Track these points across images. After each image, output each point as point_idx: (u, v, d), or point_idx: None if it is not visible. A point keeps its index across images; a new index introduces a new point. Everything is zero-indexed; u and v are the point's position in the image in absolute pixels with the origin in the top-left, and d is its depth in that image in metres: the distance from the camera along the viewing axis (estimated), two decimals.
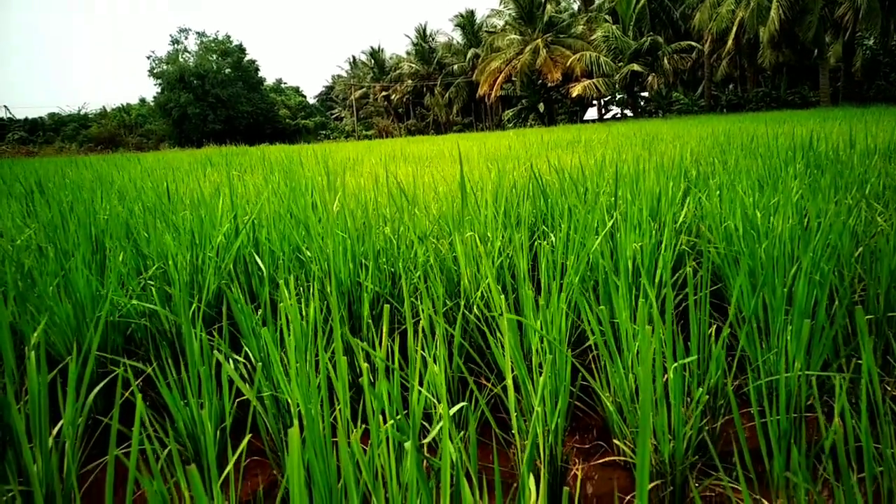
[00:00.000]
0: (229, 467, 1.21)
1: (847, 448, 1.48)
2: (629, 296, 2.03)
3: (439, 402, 1.52)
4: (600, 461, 1.85)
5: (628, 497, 1.60)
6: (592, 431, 2.10)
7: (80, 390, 1.50)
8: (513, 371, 1.84)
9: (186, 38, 50.73)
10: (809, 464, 1.43)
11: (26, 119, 53.98)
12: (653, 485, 1.56)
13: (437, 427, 1.24)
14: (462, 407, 1.89)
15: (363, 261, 2.33)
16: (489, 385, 2.08)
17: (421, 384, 1.63)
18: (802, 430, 1.48)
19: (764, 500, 1.49)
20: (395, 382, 1.28)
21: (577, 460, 1.92)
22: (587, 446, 2.00)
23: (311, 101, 72.71)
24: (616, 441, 1.70)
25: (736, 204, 2.58)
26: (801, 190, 2.77)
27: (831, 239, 2.15)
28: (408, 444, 1.06)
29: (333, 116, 68.65)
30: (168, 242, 2.46)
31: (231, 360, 1.77)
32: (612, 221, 2.30)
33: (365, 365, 1.13)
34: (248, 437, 1.29)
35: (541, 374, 1.70)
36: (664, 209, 2.71)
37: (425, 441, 1.17)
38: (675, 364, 1.57)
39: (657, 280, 2.15)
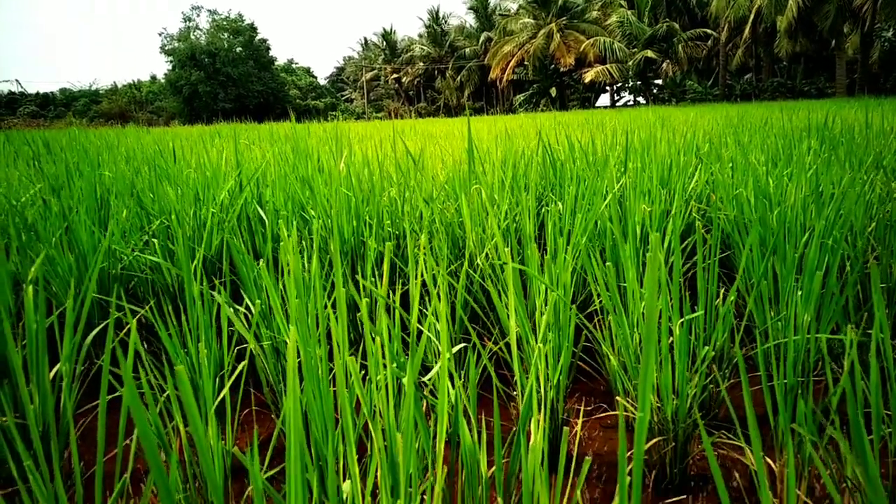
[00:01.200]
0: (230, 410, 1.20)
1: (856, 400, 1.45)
2: (636, 259, 2.00)
3: (441, 346, 1.50)
4: (602, 415, 1.83)
5: (629, 453, 1.58)
6: (596, 394, 2.08)
7: (78, 326, 1.49)
8: (516, 329, 1.82)
9: (198, 15, 50.59)
10: (816, 419, 1.40)
11: (37, 94, 54.02)
12: (655, 441, 1.54)
13: (436, 369, 1.22)
14: (464, 353, 1.87)
15: (367, 220, 2.31)
16: (491, 343, 2.06)
17: (421, 335, 1.61)
18: (810, 389, 1.46)
19: (767, 458, 1.46)
20: (396, 322, 1.25)
21: (578, 419, 1.90)
22: (590, 408, 1.98)
23: (322, 82, 72.42)
24: (618, 398, 1.68)
25: (748, 174, 2.53)
26: (815, 163, 2.72)
27: (844, 207, 2.11)
28: (405, 379, 1.03)
29: (344, 98, 68.40)
30: (171, 199, 2.44)
31: (231, 310, 1.75)
32: (619, 184, 2.26)
33: (365, 300, 1.11)
34: (243, 371, 1.27)
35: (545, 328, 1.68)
36: (675, 178, 2.67)
37: (426, 378, 1.15)
38: (682, 320, 1.54)
39: (666, 245, 2.12)
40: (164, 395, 1.59)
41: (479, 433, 1.22)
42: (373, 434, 0.99)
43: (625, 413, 1.72)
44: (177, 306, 2.25)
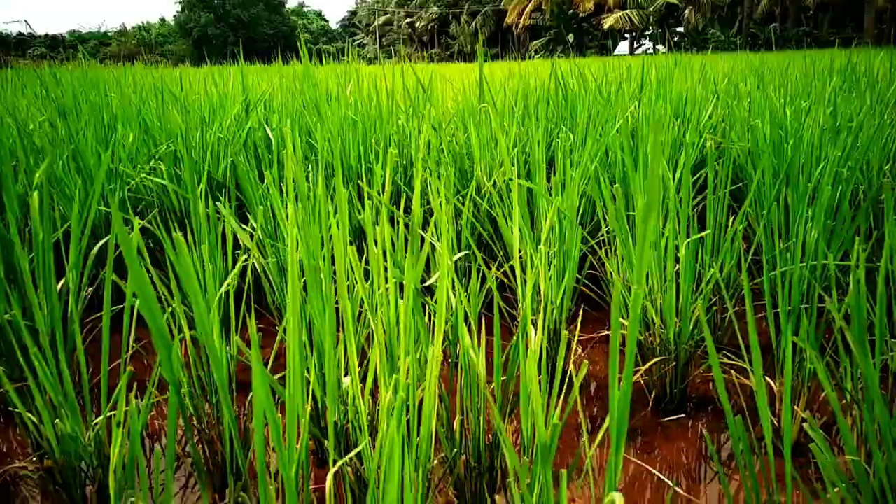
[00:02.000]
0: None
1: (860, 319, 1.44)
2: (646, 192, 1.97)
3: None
4: (602, 334, 1.84)
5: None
6: (600, 322, 2.08)
7: (84, 234, 1.49)
8: (520, 254, 1.81)
9: None
10: (818, 337, 1.39)
11: (46, 35, 53.42)
12: (656, 360, 1.55)
13: (436, 277, 1.22)
14: (468, 277, 1.87)
15: (374, 146, 2.28)
16: (495, 268, 2.06)
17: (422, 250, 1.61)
18: (813, 313, 1.45)
19: (768, 378, 1.47)
20: (400, 232, 1.25)
21: (580, 345, 1.91)
22: (593, 334, 1.99)
23: (334, 26, 70.93)
24: (623, 321, 1.68)
25: (765, 107, 2.46)
26: (836, 98, 2.64)
27: (862, 138, 2.06)
28: (405, 279, 1.03)
29: (356, 43, 67.06)
30: (178, 122, 2.42)
31: (237, 229, 1.76)
32: (630, 112, 2.21)
33: (368, 202, 1.10)
34: (248, 285, 1.28)
35: (550, 246, 1.67)
36: (689, 111, 2.61)
37: (429, 283, 1.15)
38: (688, 240, 1.52)
39: (677, 177, 2.09)
40: (169, 308, 1.61)
41: (479, 343, 1.22)
42: (373, 328, 0.99)
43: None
44: (183, 228, 2.25)
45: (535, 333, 1.06)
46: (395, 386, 0.84)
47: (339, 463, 0.81)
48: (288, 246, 0.77)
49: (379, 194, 2.11)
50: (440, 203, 1.14)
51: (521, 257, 1.75)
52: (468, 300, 1.21)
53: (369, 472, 0.77)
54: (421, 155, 1.27)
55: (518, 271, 1.53)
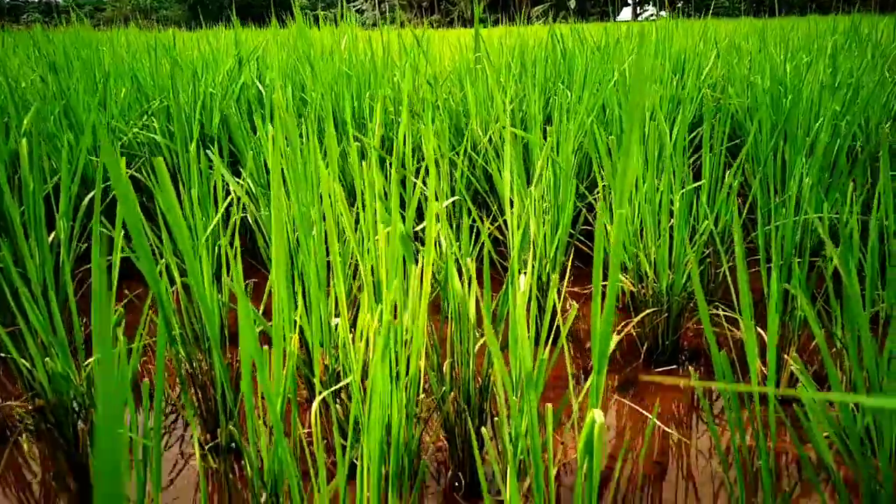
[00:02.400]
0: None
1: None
2: (642, 144, 1.95)
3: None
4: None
5: (621, 324, 1.60)
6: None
7: (74, 178, 1.48)
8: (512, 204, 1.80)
9: None
10: (809, 287, 1.39)
11: (40, 1, 52.55)
12: (648, 312, 1.55)
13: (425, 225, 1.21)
14: (460, 217, 1.87)
15: (370, 102, 2.26)
16: (489, 222, 2.05)
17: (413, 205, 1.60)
18: (805, 262, 1.44)
19: (759, 328, 1.47)
20: (393, 183, 1.24)
21: (573, 298, 1.92)
22: (586, 290, 1.99)
23: None
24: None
25: (765, 63, 2.43)
26: (837, 54, 2.61)
27: (862, 93, 2.03)
28: (391, 217, 1.02)
29: (354, 9, 66.00)
30: (169, 75, 2.39)
31: (230, 181, 1.74)
32: (627, 65, 2.18)
33: (355, 144, 1.09)
34: (236, 226, 1.27)
35: (543, 203, 1.66)
36: (688, 67, 2.58)
37: (417, 228, 1.15)
38: (683, 191, 1.52)
39: (675, 134, 2.07)
40: (162, 260, 1.60)
41: (469, 288, 1.22)
42: (361, 272, 0.99)
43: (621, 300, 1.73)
44: (176, 183, 2.24)
45: (524, 274, 1.06)
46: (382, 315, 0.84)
47: (324, 393, 0.82)
48: (271, 168, 0.76)
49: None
50: (432, 142, 1.13)
51: (511, 201, 1.74)
52: (459, 246, 1.20)
53: (357, 405, 0.78)
54: (408, 88, 1.26)
55: (508, 214, 1.52)
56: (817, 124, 1.93)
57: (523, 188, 1.60)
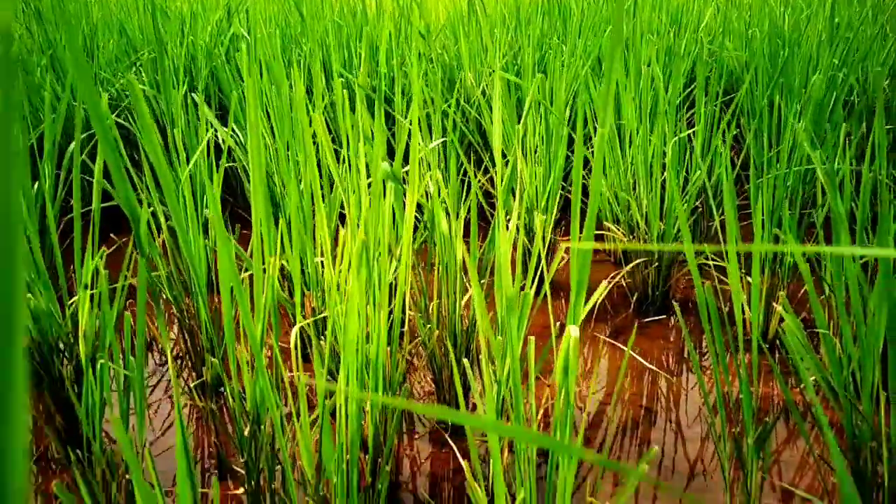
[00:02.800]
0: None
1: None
2: (637, 98, 1.93)
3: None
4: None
5: (611, 275, 1.59)
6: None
7: (56, 121, 1.46)
8: (505, 159, 1.78)
9: None
10: (800, 234, 1.39)
11: None
12: (638, 262, 1.55)
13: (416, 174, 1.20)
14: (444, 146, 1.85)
15: (360, 51, 2.22)
16: (481, 174, 2.04)
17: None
18: (797, 204, 1.43)
19: (748, 277, 1.47)
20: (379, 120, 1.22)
21: (565, 255, 1.91)
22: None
23: None
24: (607, 224, 1.68)
25: (764, 14, 2.39)
26: (837, 6, 2.56)
27: (862, 48, 2.00)
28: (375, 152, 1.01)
29: None
30: (158, 27, 2.34)
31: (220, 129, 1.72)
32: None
33: (339, 80, 1.07)
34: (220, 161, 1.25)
35: (535, 152, 1.64)
36: (685, 19, 2.53)
37: (406, 169, 1.13)
38: (675, 138, 1.50)
39: (672, 89, 2.04)
40: (150, 208, 1.59)
41: (458, 232, 1.21)
42: (347, 214, 0.98)
43: (609, 258, 1.72)
44: (165, 138, 2.21)
45: (510, 217, 1.05)
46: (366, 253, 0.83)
47: (307, 321, 0.81)
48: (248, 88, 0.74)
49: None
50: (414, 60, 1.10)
51: (503, 146, 1.73)
52: (448, 190, 1.19)
53: (339, 330, 0.77)
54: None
55: (497, 152, 1.50)
56: (814, 77, 1.90)
57: (515, 136, 1.58)
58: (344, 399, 0.73)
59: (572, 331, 0.55)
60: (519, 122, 1.25)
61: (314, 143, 1.68)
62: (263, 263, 0.71)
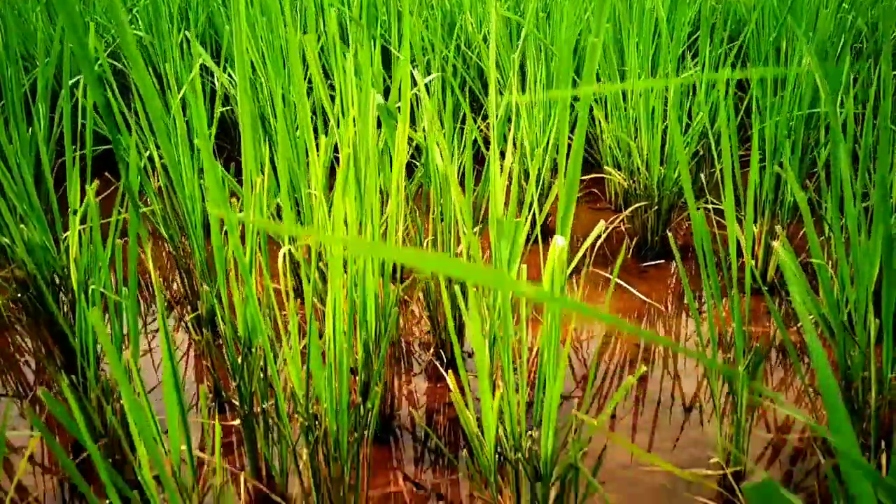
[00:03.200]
0: None
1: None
2: (640, 45, 1.89)
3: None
4: (587, 191, 1.83)
5: (610, 219, 1.58)
6: (586, 183, 2.06)
7: (49, 57, 1.44)
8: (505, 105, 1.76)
9: None
10: (801, 173, 1.37)
11: None
12: (638, 205, 1.54)
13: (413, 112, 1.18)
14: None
15: None
16: (479, 119, 2.01)
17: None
18: (798, 146, 1.41)
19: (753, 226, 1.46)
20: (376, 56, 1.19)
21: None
22: (580, 194, 1.97)
23: None
24: (608, 168, 1.66)
25: None
26: None
27: None
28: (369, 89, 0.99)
29: None
30: None
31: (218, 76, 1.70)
32: None
33: (332, 13, 1.05)
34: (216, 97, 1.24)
35: (536, 103, 1.62)
36: None
37: (398, 104, 1.12)
38: (676, 80, 1.47)
39: (675, 36, 1.99)
40: (147, 153, 1.58)
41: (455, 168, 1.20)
42: (339, 146, 0.97)
43: (607, 204, 1.71)
44: (162, 85, 2.19)
45: (506, 157, 1.03)
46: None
47: (290, 249, 0.81)
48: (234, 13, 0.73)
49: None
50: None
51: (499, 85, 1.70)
52: (443, 131, 1.17)
53: (325, 254, 0.77)
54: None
55: (492, 81, 1.48)
56: (824, 12, 1.85)
57: (514, 74, 1.55)
58: (332, 310, 0.73)
59: (558, 241, 0.54)
60: (514, 51, 1.23)
61: (307, 79, 1.65)
62: (252, 185, 0.71)
